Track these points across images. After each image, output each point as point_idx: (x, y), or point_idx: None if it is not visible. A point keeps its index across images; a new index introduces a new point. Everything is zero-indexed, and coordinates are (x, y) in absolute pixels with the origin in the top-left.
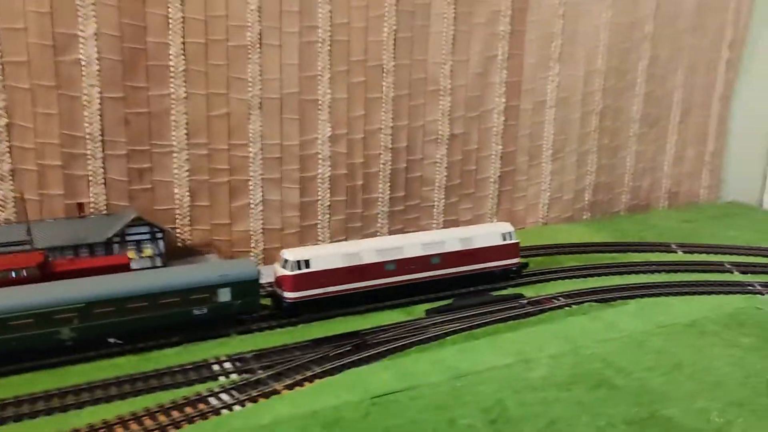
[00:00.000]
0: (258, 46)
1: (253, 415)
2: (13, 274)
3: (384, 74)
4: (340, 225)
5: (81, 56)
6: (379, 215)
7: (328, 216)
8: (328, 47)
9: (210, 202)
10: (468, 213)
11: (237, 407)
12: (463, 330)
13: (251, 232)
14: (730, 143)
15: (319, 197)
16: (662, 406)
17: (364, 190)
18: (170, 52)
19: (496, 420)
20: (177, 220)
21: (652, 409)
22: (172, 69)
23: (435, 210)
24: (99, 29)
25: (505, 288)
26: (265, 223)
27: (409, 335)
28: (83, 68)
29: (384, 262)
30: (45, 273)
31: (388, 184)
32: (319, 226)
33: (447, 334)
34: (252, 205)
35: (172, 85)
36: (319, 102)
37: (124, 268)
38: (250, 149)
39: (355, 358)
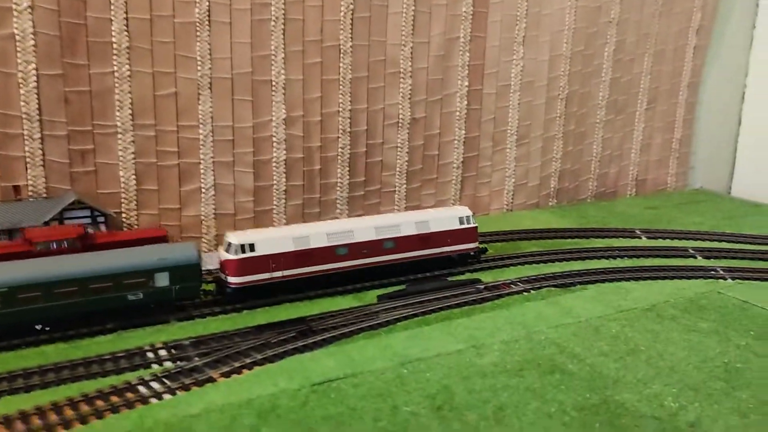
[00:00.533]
0: (207, 23)
1: (184, 403)
2: (54, 246)
3: (341, 55)
4: (297, 210)
5: (15, 30)
6: (338, 201)
7: (283, 201)
8: (282, 26)
9: (158, 186)
10: (430, 199)
11: (167, 396)
12: (415, 315)
13: (202, 217)
14: (698, 130)
15: (275, 182)
16: (615, 392)
17: (321, 174)
18: (113, 28)
19: (441, 407)
20: (123, 205)
21: (604, 394)
22: (115, 46)
23: (396, 196)
24: (34, 2)
25: (462, 273)
26: (217, 208)
27: (358, 321)
28: (18, 43)
29: (334, 246)
30: (85, 244)
31: (347, 168)
32: (274, 211)
33: (398, 320)
34: (203, 190)
35: (115, 63)
36: (273, 83)
37: (162, 239)
38: (201, 131)
39: (299, 344)
